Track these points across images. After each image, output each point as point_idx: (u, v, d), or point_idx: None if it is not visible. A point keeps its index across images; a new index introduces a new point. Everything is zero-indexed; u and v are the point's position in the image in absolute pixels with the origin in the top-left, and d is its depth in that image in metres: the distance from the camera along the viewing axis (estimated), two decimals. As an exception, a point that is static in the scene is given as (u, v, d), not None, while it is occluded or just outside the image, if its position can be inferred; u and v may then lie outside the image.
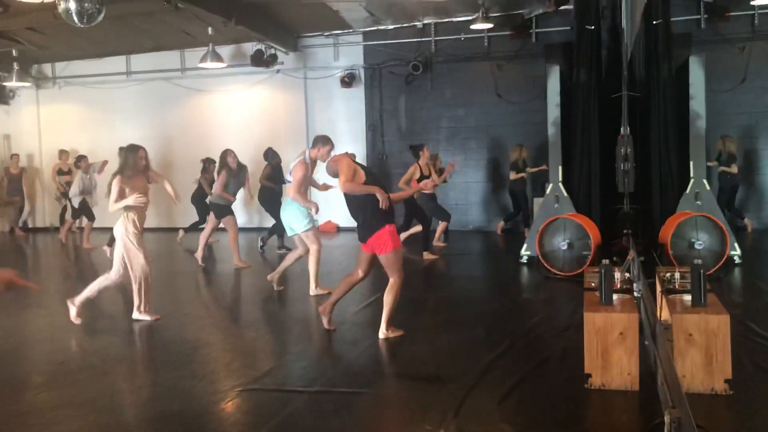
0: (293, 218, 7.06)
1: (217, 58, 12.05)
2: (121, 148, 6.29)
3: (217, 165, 9.64)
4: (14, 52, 13.16)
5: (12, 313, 7.16)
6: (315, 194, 8.62)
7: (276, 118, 13.26)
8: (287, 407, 4.10)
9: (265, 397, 4.31)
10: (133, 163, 6.10)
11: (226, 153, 9.39)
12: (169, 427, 3.87)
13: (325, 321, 5.69)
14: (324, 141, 7.00)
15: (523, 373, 4.53)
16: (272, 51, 12.80)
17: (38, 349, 5.79)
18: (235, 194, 9.47)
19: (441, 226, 10.66)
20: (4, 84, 14.32)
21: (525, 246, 8.85)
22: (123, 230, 6.09)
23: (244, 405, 4.22)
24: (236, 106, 13.62)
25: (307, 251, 7.16)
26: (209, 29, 11.57)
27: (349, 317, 6.27)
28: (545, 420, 3.86)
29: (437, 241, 10.65)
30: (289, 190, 7.18)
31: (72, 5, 7.55)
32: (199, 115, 13.85)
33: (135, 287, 6.18)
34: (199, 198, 11.46)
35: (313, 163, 7.12)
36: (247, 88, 13.52)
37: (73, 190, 11.90)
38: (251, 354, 5.42)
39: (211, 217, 9.53)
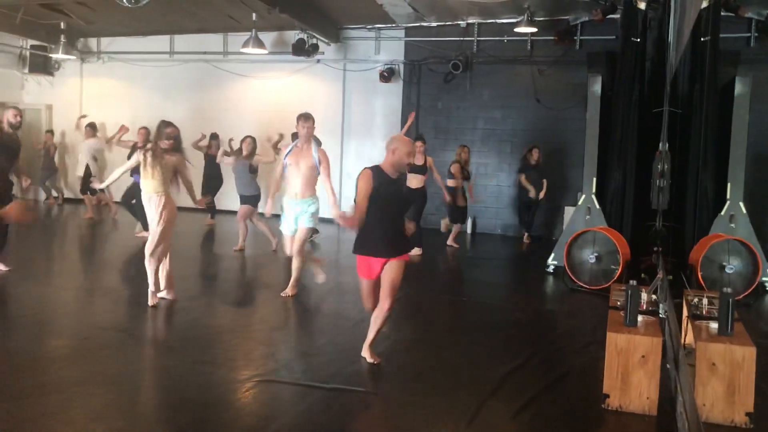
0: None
1: (260, 44, 12.11)
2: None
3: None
4: (62, 25, 13.39)
5: (42, 284, 7.33)
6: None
7: (313, 107, 13.04)
8: (303, 402, 4.14)
9: (282, 390, 4.35)
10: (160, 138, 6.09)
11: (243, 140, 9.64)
12: (185, 413, 3.92)
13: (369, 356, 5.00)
14: (305, 118, 6.58)
15: (541, 387, 4.52)
16: (314, 41, 12.83)
17: (64, 322, 5.91)
18: (253, 185, 9.55)
19: (455, 227, 10.79)
20: (51, 55, 14.58)
21: (552, 255, 8.78)
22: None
23: (260, 396, 4.27)
24: (275, 93, 13.68)
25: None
26: (253, 15, 11.63)
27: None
28: (559, 438, 3.84)
29: (452, 242, 10.71)
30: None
31: (121, -15, 7.66)
32: (238, 99, 13.96)
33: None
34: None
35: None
36: (286, 76, 13.58)
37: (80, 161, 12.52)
38: (272, 344, 5.47)
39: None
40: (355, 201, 4.68)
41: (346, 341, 5.58)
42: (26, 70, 14.91)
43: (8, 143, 7.22)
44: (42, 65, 14.86)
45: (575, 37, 11.74)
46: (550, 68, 11.96)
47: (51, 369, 4.58)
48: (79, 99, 15.10)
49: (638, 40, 8.67)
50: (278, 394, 4.29)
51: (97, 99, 14.97)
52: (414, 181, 9.49)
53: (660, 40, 9.03)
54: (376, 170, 4.68)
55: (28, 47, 14.64)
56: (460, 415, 3.98)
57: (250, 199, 9.57)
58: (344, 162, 13.20)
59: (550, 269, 8.71)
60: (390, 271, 4.72)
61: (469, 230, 12.47)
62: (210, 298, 6.99)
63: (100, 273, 8.28)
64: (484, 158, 12.59)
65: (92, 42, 14.98)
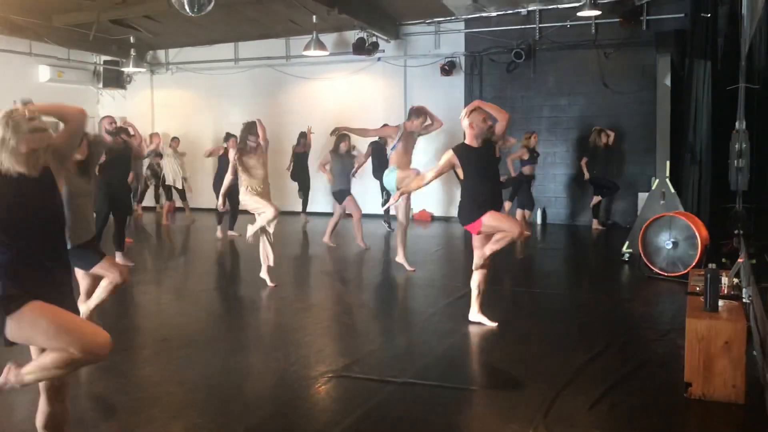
0: (389, 186, 7.78)
1: (321, 46, 12.23)
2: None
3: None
4: (132, 39, 13.88)
5: (124, 290, 7.60)
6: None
7: (375, 105, 13.34)
8: (375, 397, 4.14)
9: (355, 385, 4.36)
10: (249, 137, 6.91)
11: (341, 138, 9.82)
12: (261, 409, 3.99)
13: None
14: (417, 113, 7.71)
15: (618, 376, 4.38)
16: (374, 39, 12.87)
17: (144, 325, 6.11)
18: (342, 178, 9.76)
19: (519, 213, 10.75)
20: (122, 69, 15.13)
21: (627, 243, 8.53)
22: (244, 196, 7.00)
23: (333, 392, 4.30)
24: (337, 93, 13.80)
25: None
26: (314, 17, 11.76)
27: (440, 308, 6.26)
28: (639, 428, 3.71)
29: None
30: (392, 158, 7.78)
31: (184, -5, 7.87)
32: (302, 101, 14.14)
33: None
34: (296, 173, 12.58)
35: (410, 134, 7.72)
36: (348, 76, 13.67)
37: (167, 171, 13.14)
38: (343, 340, 5.51)
39: (335, 205, 9.97)
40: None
41: (417, 336, 5.58)
42: (101, 85, 15.50)
43: (121, 152, 7.89)
44: (115, 79, 15.44)
45: (641, 18, 11.38)
46: (616, 51, 11.64)
47: (131, 370, 4.74)
48: (151, 110, 15.63)
49: (709, 15, 8.32)
50: (351, 389, 4.30)
51: (167, 109, 15.46)
52: None
53: (732, 14, 8.67)
54: (460, 147, 5.36)
55: (102, 63, 15.24)
56: (535, 406, 3.90)
57: (333, 195, 10.02)
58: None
59: (625, 257, 8.47)
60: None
61: (539, 220, 12.27)
62: (283, 297, 7.10)
63: (179, 276, 8.54)
64: (551, 147, 12.36)
65: (160, 54, 15.48)
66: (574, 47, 11.97)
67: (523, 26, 12.21)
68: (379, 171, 10.45)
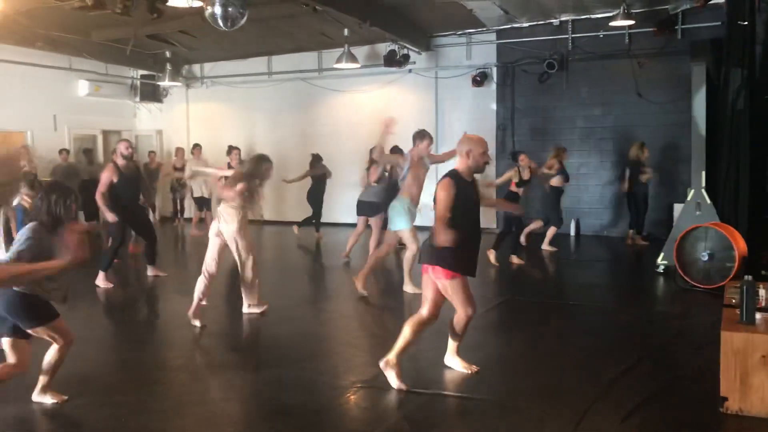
0: (394, 215, 7.19)
1: (352, 58, 12.31)
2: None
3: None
4: (167, 54, 14.16)
5: (159, 300, 7.72)
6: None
7: (407, 117, 13.21)
8: (404, 408, 4.14)
9: (384, 395, 4.36)
10: (263, 174, 6.29)
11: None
12: (291, 419, 4.00)
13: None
14: (421, 136, 7.13)
15: (652, 390, 4.31)
16: (405, 51, 12.91)
17: (175, 335, 6.18)
18: (371, 190, 9.57)
19: (550, 230, 10.38)
20: (159, 83, 15.42)
21: (662, 255, 8.39)
22: (235, 228, 6.20)
23: (362, 402, 4.31)
24: (369, 105, 13.84)
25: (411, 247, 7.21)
26: (345, 31, 11.84)
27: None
28: (673, 443, 3.65)
29: (546, 246, 10.39)
30: (403, 188, 7.28)
31: (217, 10, 8.01)
32: (334, 114, 14.22)
33: (245, 282, 6.41)
34: (312, 194, 12.16)
35: (419, 162, 7.19)
36: (379, 88, 13.71)
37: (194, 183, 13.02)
38: (372, 351, 5.49)
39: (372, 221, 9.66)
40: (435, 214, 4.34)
41: (446, 347, 5.53)
42: (137, 99, 15.81)
43: (130, 175, 7.94)
44: (151, 93, 15.73)
45: (676, 27, 11.23)
46: (650, 61, 11.48)
47: (162, 379, 4.80)
48: (186, 123, 15.88)
49: (746, 23, 8.18)
50: (380, 400, 4.30)
51: (203, 122, 15.69)
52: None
53: (770, 22, 8.52)
54: (456, 176, 4.41)
55: (138, 77, 15.55)
56: (567, 418, 3.85)
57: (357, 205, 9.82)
58: (440, 172, 13.11)
59: (660, 269, 8.33)
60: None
61: (572, 232, 12.15)
62: (311, 308, 7.13)
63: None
64: (585, 158, 12.23)
65: (196, 68, 15.73)
66: (607, 57, 11.85)
67: (555, 36, 12.15)
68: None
